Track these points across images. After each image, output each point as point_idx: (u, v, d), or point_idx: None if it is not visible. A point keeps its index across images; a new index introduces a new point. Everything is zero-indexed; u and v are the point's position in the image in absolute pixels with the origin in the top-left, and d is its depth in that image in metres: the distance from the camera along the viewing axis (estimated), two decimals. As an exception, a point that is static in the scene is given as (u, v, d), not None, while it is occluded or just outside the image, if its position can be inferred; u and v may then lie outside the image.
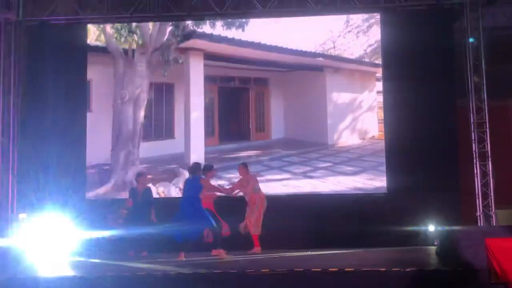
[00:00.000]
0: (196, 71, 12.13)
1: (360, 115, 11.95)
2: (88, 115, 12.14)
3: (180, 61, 12.19)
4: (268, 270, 7.03)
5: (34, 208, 11.92)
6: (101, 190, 11.73)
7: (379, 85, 11.84)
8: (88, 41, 12.34)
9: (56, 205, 11.01)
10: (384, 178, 11.48)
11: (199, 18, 12.17)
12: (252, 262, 8.22)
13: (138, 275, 7.22)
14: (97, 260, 9.42)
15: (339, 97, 12.01)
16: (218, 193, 10.28)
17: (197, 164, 9.88)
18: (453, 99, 11.49)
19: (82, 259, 9.84)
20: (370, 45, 12.03)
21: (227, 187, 10.73)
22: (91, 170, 11.78)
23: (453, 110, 11.46)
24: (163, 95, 12.30)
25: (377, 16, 11.95)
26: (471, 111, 11.29)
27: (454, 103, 11.48)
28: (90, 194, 11.86)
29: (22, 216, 12.57)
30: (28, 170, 12.04)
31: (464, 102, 11.38)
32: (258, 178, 10.82)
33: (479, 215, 11.03)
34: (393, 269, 6.95)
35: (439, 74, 11.49)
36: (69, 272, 7.93)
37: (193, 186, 9.51)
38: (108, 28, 12.36)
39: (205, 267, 7.77)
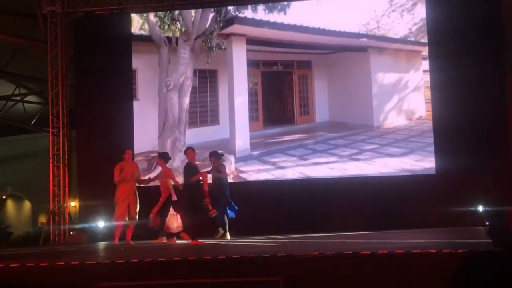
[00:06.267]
0: (239, 56, 12.14)
1: (407, 95, 11.75)
2: (135, 103, 12.32)
3: (223, 47, 12.22)
4: (317, 253, 7.01)
5: (86, 196, 12.26)
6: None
7: (426, 64, 11.60)
8: (132, 30, 12.49)
9: (105, 192, 11.25)
10: (433, 159, 11.30)
11: (240, 3, 12.16)
12: (301, 245, 8.23)
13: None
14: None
15: (384, 77, 11.83)
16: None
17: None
18: (502, 77, 11.19)
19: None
20: (415, 24, 11.79)
21: None
22: (139, 157, 11.95)
23: (502, 87, 11.16)
24: (207, 81, 12.36)
25: (422, -6, 11.70)
26: (521, 88, 11.01)
27: (503, 81, 11.17)
28: (139, 181, 12.03)
29: (73, 203, 12.92)
30: (78, 158, 12.35)
31: (514, 79, 11.10)
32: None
33: (531, 195, 10.78)
34: (444, 250, 6.85)
35: (487, 50, 11.20)
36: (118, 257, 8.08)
37: None
38: (151, 16, 12.47)
39: (253, 251, 7.82)
